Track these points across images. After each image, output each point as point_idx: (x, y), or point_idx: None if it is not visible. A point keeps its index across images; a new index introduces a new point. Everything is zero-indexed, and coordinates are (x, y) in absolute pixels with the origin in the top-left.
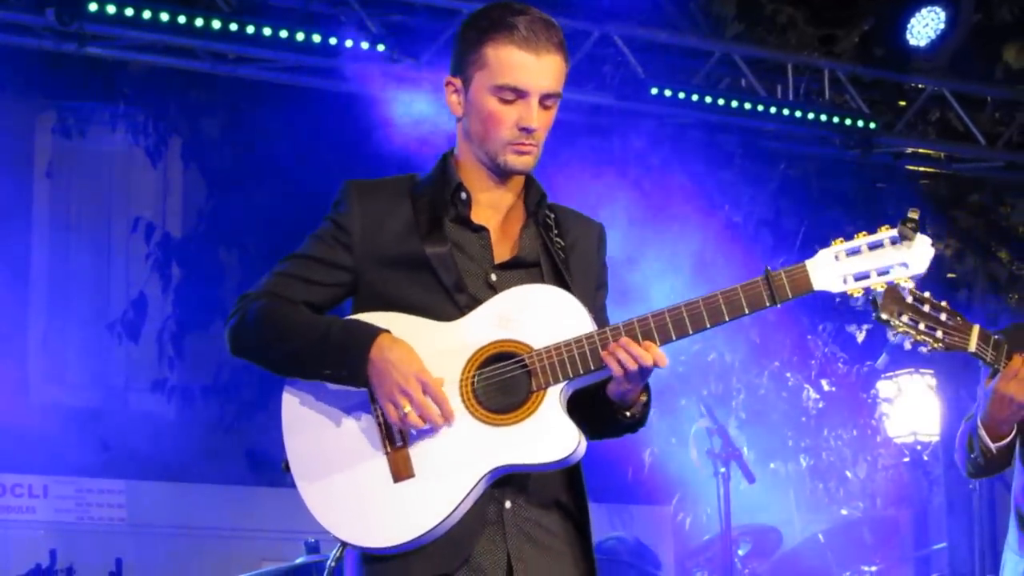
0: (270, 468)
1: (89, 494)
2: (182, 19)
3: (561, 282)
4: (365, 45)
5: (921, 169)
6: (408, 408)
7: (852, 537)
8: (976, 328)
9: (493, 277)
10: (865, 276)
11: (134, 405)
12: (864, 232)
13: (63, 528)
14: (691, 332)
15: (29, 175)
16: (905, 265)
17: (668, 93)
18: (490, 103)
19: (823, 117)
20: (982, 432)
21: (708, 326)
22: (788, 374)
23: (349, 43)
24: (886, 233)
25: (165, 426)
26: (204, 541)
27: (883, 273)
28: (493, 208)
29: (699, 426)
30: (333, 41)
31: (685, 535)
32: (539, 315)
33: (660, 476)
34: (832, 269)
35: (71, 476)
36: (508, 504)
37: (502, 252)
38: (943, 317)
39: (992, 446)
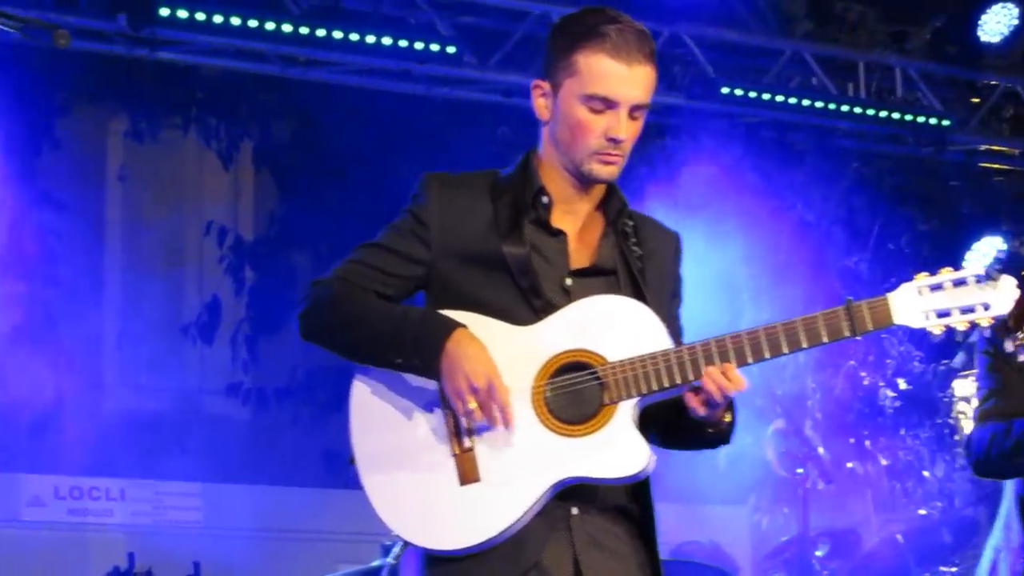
0: (346, 470)
1: (166, 497)
2: (253, 23)
3: (637, 292)
4: (435, 47)
5: (995, 166)
6: (474, 405)
7: (931, 537)
8: None
9: (569, 283)
10: (947, 314)
11: (208, 408)
12: (948, 268)
13: (141, 531)
14: (768, 357)
15: (102, 179)
16: (987, 306)
17: (739, 92)
18: (579, 111)
19: (895, 115)
20: None
21: (785, 352)
22: (863, 373)
23: (419, 45)
24: (971, 271)
25: (240, 429)
26: (280, 543)
27: (966, 312)
28: (572, 213)
29: (775, 427)
30: (403, 44)
31: (762, 536)
32: (616, 327)
33: (736, 477)
34: (914, 304)
35: (148, 479)
36: (575, 511)
37: (579, 259)
38: None
39: None
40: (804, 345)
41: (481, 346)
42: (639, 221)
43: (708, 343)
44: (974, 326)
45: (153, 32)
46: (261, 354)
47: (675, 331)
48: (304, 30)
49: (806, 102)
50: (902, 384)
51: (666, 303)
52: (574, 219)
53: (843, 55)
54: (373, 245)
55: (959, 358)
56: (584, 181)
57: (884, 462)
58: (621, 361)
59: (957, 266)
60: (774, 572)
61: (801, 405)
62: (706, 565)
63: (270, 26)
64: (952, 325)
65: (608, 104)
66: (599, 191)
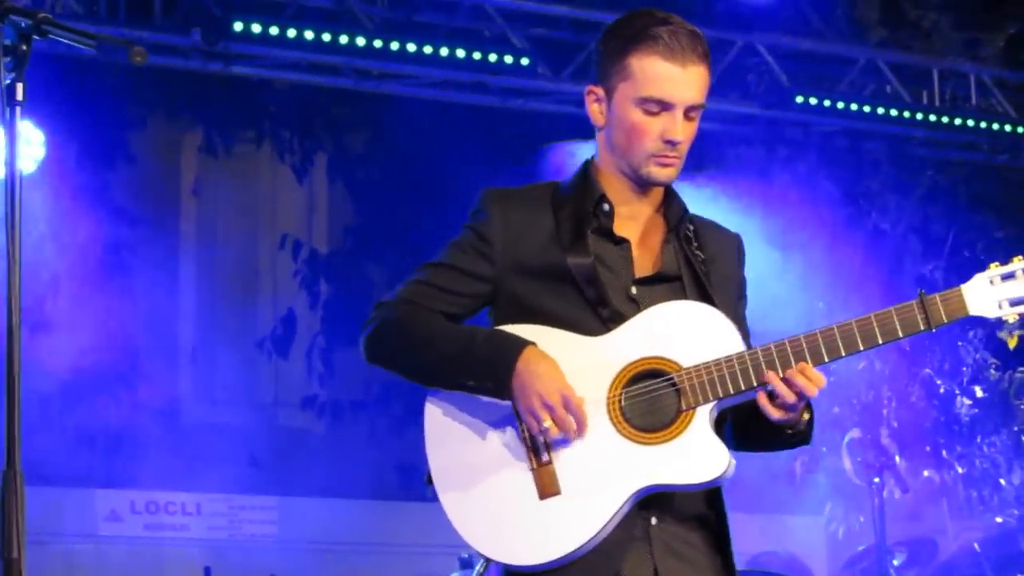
0: (422, 483)
1: (241, 511)
2: (327, 37)
3: (704, 296)
4: (509, 59)
5: None
6: (548, 422)
7: (1008, 545)
8: None
9: (634, 291)
10: (1021, 302)
11: (284, 421)
12: (1019, 256)
13: (216, 545)
14: (844, 354)
15: (176, 194)
16: None
17: (813, 101)
18: (634, 115)
19: (970, 122)
20: None
21: (861, 349)
22: (939, 381)
23: (493, 57)
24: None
25: (316, 442)
26: (357, 556)
27: None
28: (633, 219)
29: (852, 436)
30: (477, 56)
31: (838, 546)
32: (689, 333)
33: (812, 487)
34: (988, 294)
35: (223, 493)
36: (655, 520)
37: (643, 266)
38: None
39: None
40: (880, 341)
41: (552, 362)
42: (699, 225)
43: (783, 343)
44: None
45: (227, 47)
46: (336, 367)
47: (743, 333)
48: (378, 43)
49: (880, 110)
50: (978, 392)
51: (733, 306)
52: (635, 225)
53: (917, 63)
54: (436, 264)
55: None
56: (642, 184)
57: (960, 470)
58: (696, 366)
59: None
60: None
61: (877, 414)
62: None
63: (343, 40)
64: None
65: (663, 106)
66: (658, 195)
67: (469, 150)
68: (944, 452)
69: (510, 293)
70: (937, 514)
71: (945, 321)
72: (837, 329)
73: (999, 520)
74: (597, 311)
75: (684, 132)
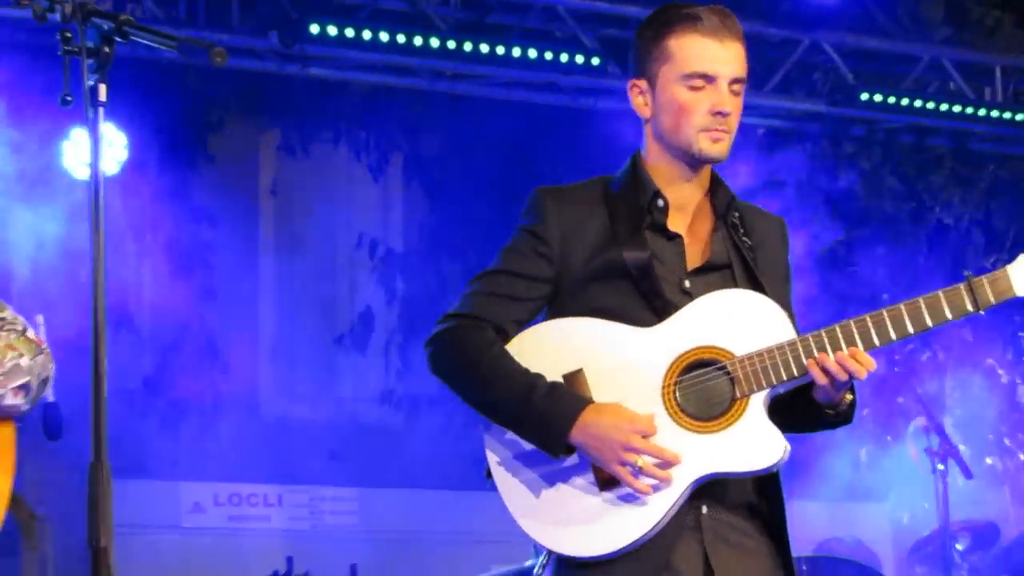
0: None
1: (322, 502)
2: (401, 39)
3: (754, 283)
4: (580, 59)
5: None
6: (641, 461)
7: None
8: None
9: (687, 284)
10: None
11: (363, 415)
12: None
13: (298, 535)
14: (895, 338)
15: (255, 192)
16: None
17: (878, 98)
18: (680, 93)
19: None
20: None
21: (911, 332)
22: (1001, 371)
23: (564, 57)
24: None
25: (394, 435)
26: (435, 545)
27: None
28: (682, 210)
29: (916, 424)
30: (549, 56)
31: (903, 531)
32: (740, 321)
33: (877, 473)
34: None
35: (304, 485)
36: (705, 509)
37: (694, 257)
38: None
39: None
40: (929, 324)
41: (610, 409)
42: (744, 210)
43: (833, 329)
44: None
45: (304, 49)
46: (413, 362)
47: (790, 315)
48: (451, 44)
49: (944, 107)
50: None
51: (780, 290)
52: (685, 216)
53: (980, 60)
54: (495, 271)
55: None
56: (695, 164)
57: (1022, 457)
58: (749, 354)
59: None
60: (917, 566)
61: (941, 403)
62: (850, 560)
63: (418, 41)
64: None
65: (708, 79)
66: (705, 180)
67: (542, 149)
68: (1006, 440)
69: (568, 290)
70: (999, 500)
71: (993, 302)
72: (887, 312)
73: None
74: (652, 304)
75: (731, 104)
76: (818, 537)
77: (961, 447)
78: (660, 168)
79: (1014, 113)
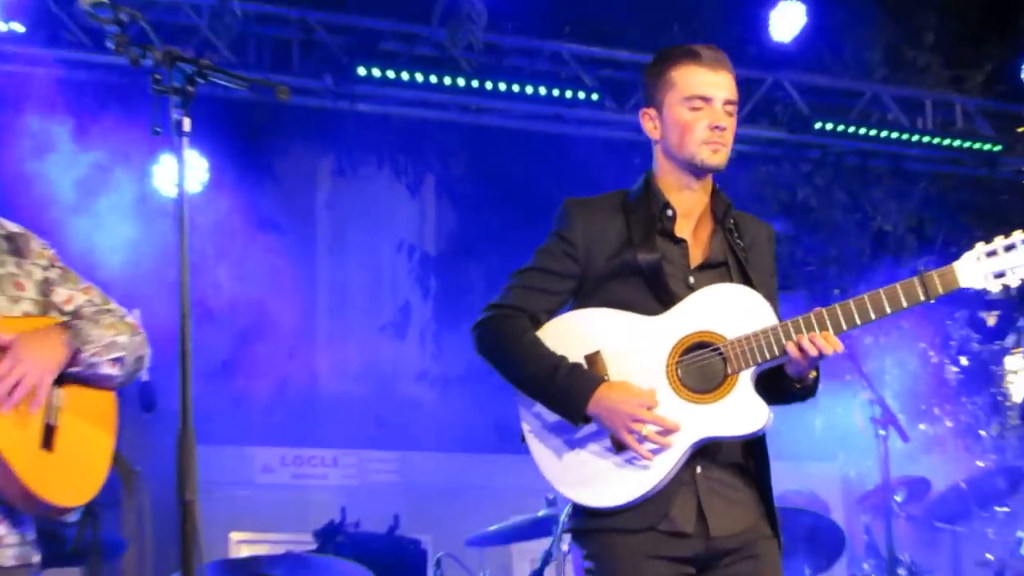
0: (513, 439)
1: (369, 463)
2: (433, 79)
3: (745, 279)
4: (582, 95)
5: None
6: (646, 430)
7: (988, 484)
8: None
9: (691, 280)
10: (1002, 274)
11: (403, 391)
12: (1001, 236)
13: (350, 490)
14: (859, 324)
15: (312, 208)
16: None
17: (829, 127)
18: (683, 114)
19: (955, 143)
20: None
21: (873, 318)
22: (931, 353)
23: (568, 94)
24: (1018, 236)
25: (428, 407)
26: (462, 499)
27: (1017, 270)
28: (688, 216)
29: (862, 397)
30: (556, 93)
31: (851, 485)
32: (731, 310)
33: (829, 438)
34: (975, 268)
35: (354, 449)
36: (699, 469)
37: (696, 256)
38: None
39: None
40: (888, 311)
41: (619, 386)
42: (739, 217)
43: (808, 316)
44: None
45: (353, 88)
46: (444, 347)
47: (775, 306)
48: (475, 83)
49: (883, 134)
50: (963, 361)
51: (768, 283)
52: (689, 222)
53: (913, 94)
54: (530, 269)
55: (1010, 339)
56: (699, 174)
57: (949, 424)
58: (738, 338)
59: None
60: (862, 514)
61: (882, 380)
62: (805, 510)
63: (447, 81)
64: (1007, 283)
65: (705, 100)
66: (707, 190)
67: (549, 170)
68: (936, 410)
69: (590, 284)
70: (930, 460)
71: (941, 292)
72: (853, 303)
73: (980, 464)
74: (659, 297)
75: (726, 120)
76: (779, 489)
77: (899, 416)
78: (669, 181)
79: (941, 139)
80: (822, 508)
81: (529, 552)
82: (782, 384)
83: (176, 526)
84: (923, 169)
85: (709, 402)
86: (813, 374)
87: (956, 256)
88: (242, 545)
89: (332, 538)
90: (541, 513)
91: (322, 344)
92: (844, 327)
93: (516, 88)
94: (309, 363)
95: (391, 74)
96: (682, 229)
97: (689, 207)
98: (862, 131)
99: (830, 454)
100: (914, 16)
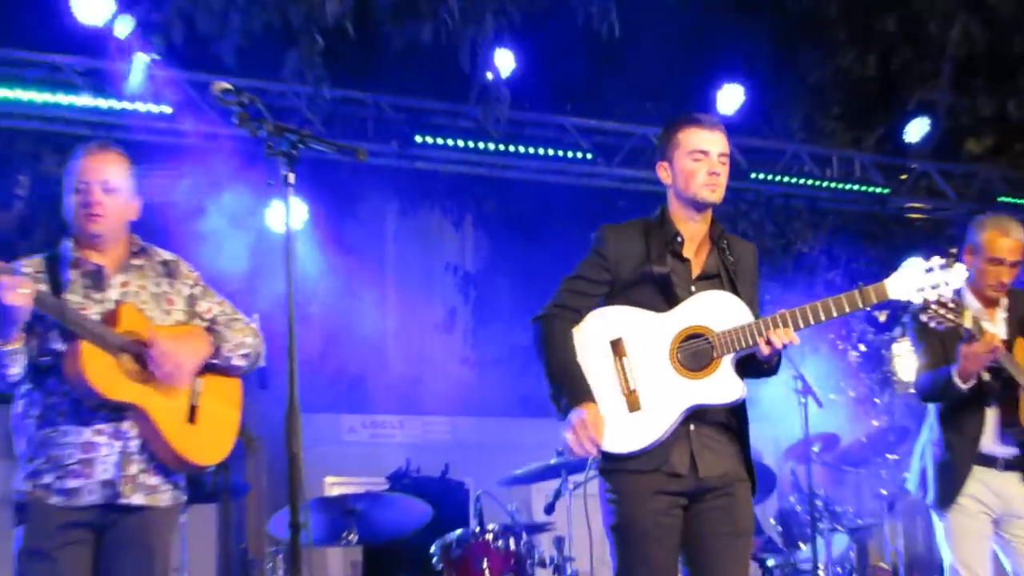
0: (534, 405)
1: (426, 425)
2: (471, 144)
3: (733, 288)
4: (580, 155)
5: (916, 216)
6: (571, 439)
7: (881, 438)
8: (968, 311)
9: (693, 288)
10: (922, 289)
11: (451, 373)
12: (920, 259)
13: (412, 446)
14: (812, 323)
15: (383, 239)
16: (947, 283)
17: (761, 176)
18: (688, 164)
19: (855, 187)
20: (956, 378)
21: (823, 319)
22: (839, 342)
23: (570, 154)
24: (936, 261)
25: (470, 385)
26: (495, 451)
27: (935, 287)
28: (692, 240)
29: (788, 375)
30: (561, 153)
31: (780, 440)
32: (718, 311)
33: (764, 405)
34: (901, 284)
35: (416, 415)
36: (692, 427)
37: (696, 270)
38: (951, 305)
39: (963, 387)
40: (835, 314)
41: (594, 419)
42: (730, 239)
43: (775, 316)
44: (940, 295)
45: (412, 151)
46: (481, 340)
47: (756, 308)
48: (501, 147)
49: (801, 181)
50: (862, 347)
51: (750, 292)
52: (693, 245)
53: (823, 152)
54: (575, 277)
55: (897, 331)
56: (700, 208)
57: (852, 394)
58: (723, 331)
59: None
60: (789, 461)
61: (802, 361)
62: None
63: (481, 145)
64: (927, 297)
65: (704, 153)
66: (707, 221)
67: (556, 210)
68: (842, 383)
69: (617, 288)
70: (839, 420)
71: (875, 301)
72: (809, 307)
73: (875, 423)
74: (668, 299)
75: (720, 168)
76: None
77: (815, 388)
78: (679, 214)
79: (844, 184)
80: (758, 457)
81: (544, 489)
82: (755, 365)
83: (285, 473)
84: (831, 207)
85: (700, 378)
86: (776, 358)
87: (856, 271)
88: (334, 486)
89: (400, 481)
90: (552, 461)
91: (391, 338)
92: (801, 325)
93: (532, 150)
94: (382, 353)
95: (440, 141)
96: (688, 251)
97: (693, 233)
98: (786, 179)
99: (765, 417)
100: (824, 94)
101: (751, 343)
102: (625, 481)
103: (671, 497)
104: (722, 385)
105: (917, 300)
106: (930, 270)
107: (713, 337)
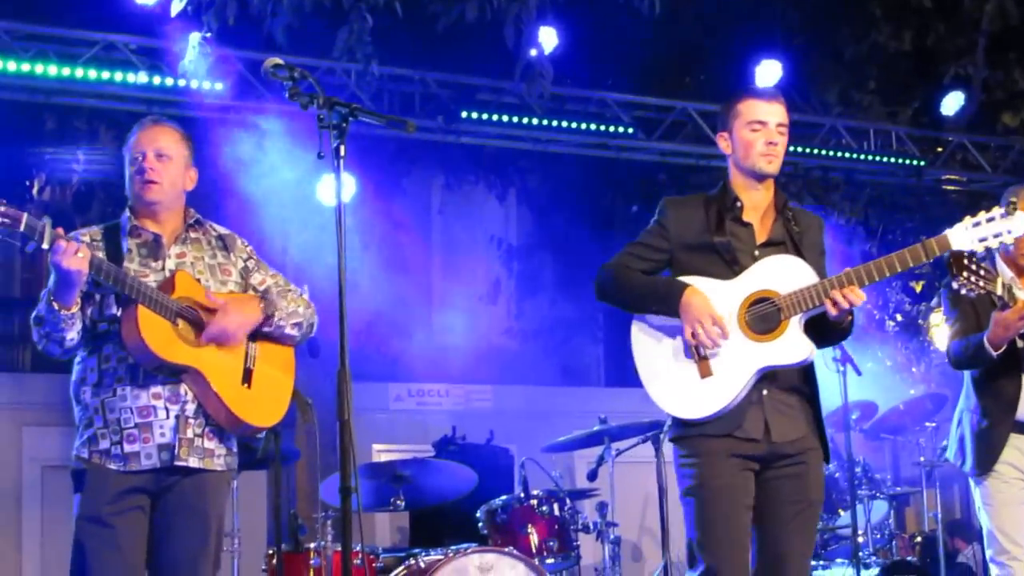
0: (575, 375)
1: (471, 393)
2: (515, 119)
3: (798, 254)
4: (620, 129)
5: (952, 188)
6: (701, 331)
7: (919, 405)
8: (1000, 278)
9: (757, 253)
10: (984, 239)
11: (494, 342)
12: (982, 211)
13: (458, 414)
14: (877, 279)
15: (428, 212)
16: (1009, 231)
17: (800, 149)
18: (746, 135)
19: (892, 159)
20: (987, 345)
21: (888, 275)
22: (875, 311)
23: (611, 128)
24: (997, 211)
25: (512, 353)
26: (538, 418)
27: (996, 235)
28: (755, 209)
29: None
30: (602, 128)
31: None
32: (784, 274)
33: None
34: (964, 235)
35: (461, 384)
36: (765, 392)
37: (761, 236)
38: (982, 272)
39: (994, 354)
40: (898, 268)
41: (703, 296)
42: (795, 210)
43: (840, 275)
44: (1003, 244)
45: (458, 127)
46: (524, 310)
47: (821, 275)
48: (544, 122)
49: (839, 154)
50: (899, 317)
51: (817, 260)
52: (756, 213)
53: (860, 125)
54: (636, 243)
55: (933, 301)
56: (759, 178)
57: (888, 363)
58: (790, 293)
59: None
60: (828, 428)
61: None
62: None
63: (525, 120)
64: (989, 245)
65: (762, 123)
66: (769, 191)
67: (598, 184)
68: (879, 352)
69: (679, 259)
70: (876, 388)
71: (937, 253)
72: (872, 264)
73: (912, 391)
74: (731, 267)
75: (778, 138)
76: None
77: (853, 357)
78: (739, 183)
79: (881, 156)
80: None
81: (587, 456)
82: (829, 328)
83: (334, 440)
84: (868, 179)
85: (769, 340)
86: (849, 318)
87: (892, 242)
88: (381, 453)
89: (446, 448)
90: (596, 428)
91: (437, 309)
92: (866, 282)
93: (574, 125)
94: (427, 323)
95: (485, 116)
96: (749, 216)
97: (755, 202)
98: (824, 152)
99: None
100: (860, 68)
101: (817, 303)
102: (699, 445)
103: (744, 461)
104: (790, 346)
105: (979, 249)
106: (991, 219)
107: (780, 299)
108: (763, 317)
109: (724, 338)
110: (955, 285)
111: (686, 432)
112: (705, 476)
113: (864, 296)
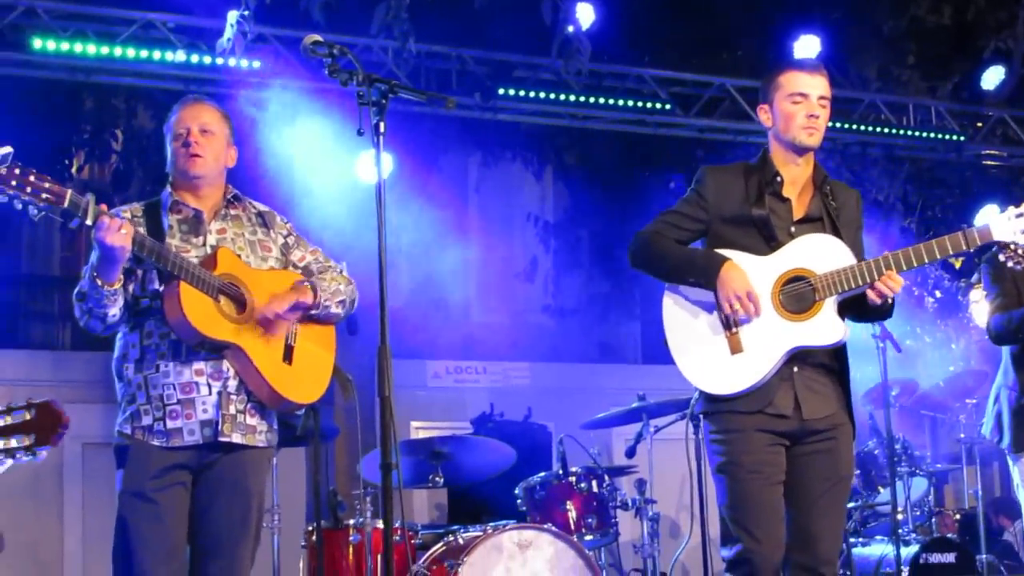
0: (612, 352)
1: (509, 371)
2: (552, 96)
3: (835, 231)
4: (658, 106)
5: (992, 164)
6: (738, 306)
7: (959, 382)
8: None
9: (793, 230)
10: None
11: (531, 320)
12: None
13: (496, 391)
14: (916, 266)
15: (465, 189)
16: None
17: (839, 125)
18: (787, 107)
19: (931, 135)
20: None
21: (927, 261)
22: (915, 289)
23: (648, 105)
24: None
25: (548, 331)
26: (576, 395)
27: None
28: (793, 184)
29: None
30: (639, 104)
31: (858, 384)
32: (821, 253)
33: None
34: (1004, 226)
35: (498, 361)
36: (796, 369)
37: (799, 212)
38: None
39: None
40: (938, 257)
41: (741, 271)
42: (834, 185)
43: (878, 259)
44: None
45: (495, 103)
46: (561, 287)
47: (859, 253)
48: (582, 99)
49: (878, 129)
50: (938, 294)
51: (854, 236)
52: (795, 188)
53: (899, 100)
54: (673, 211)
55: (974, 277)
56: (800, 151)
57: (928, 340)
58: (826, 273)
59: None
60: (867, 405)
61: None
62: None
63: (562, 97)
64: None
65: (803, 96)
66: (808, 165)
67: (634, 161)
68: (918, 329)
69: (715, 231)
70: (916, 365)
71: (979, 243)
72: (912, 249)
73: (951, 368)
74: (768, 241)
75: (819, 111)
76: None
77: (893, 334)
78: (779, 157)
79: (920, 132)
80: None
81: (624, 433)
82: (866, 307)
83: (372, 417)
84: (907, 155)
85: (802, 320)
86: (890, 300)
87: (930, 219)
88: (420, 430)
89: (484, 425)
90: (634, 405)
91: (474, 286)
92: (904, 267)
93: (611, 101)
94: (466, 300)
95: (522, 93)
96: (788, 191)
97: (794, 176)
98: (863, 127)
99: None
100: (899, 43)
101: (853, 285)
102: (729, 420)
103: (774, 437)
104: (824, 327)
105: (1022, 241)
106: (1021, 214)
107: (815, 279)
108: (798, 296)
109: (757, 315)
110: (1002, 257)
111: (715, 408)
112: (736, 452)
113: (903, 281)
